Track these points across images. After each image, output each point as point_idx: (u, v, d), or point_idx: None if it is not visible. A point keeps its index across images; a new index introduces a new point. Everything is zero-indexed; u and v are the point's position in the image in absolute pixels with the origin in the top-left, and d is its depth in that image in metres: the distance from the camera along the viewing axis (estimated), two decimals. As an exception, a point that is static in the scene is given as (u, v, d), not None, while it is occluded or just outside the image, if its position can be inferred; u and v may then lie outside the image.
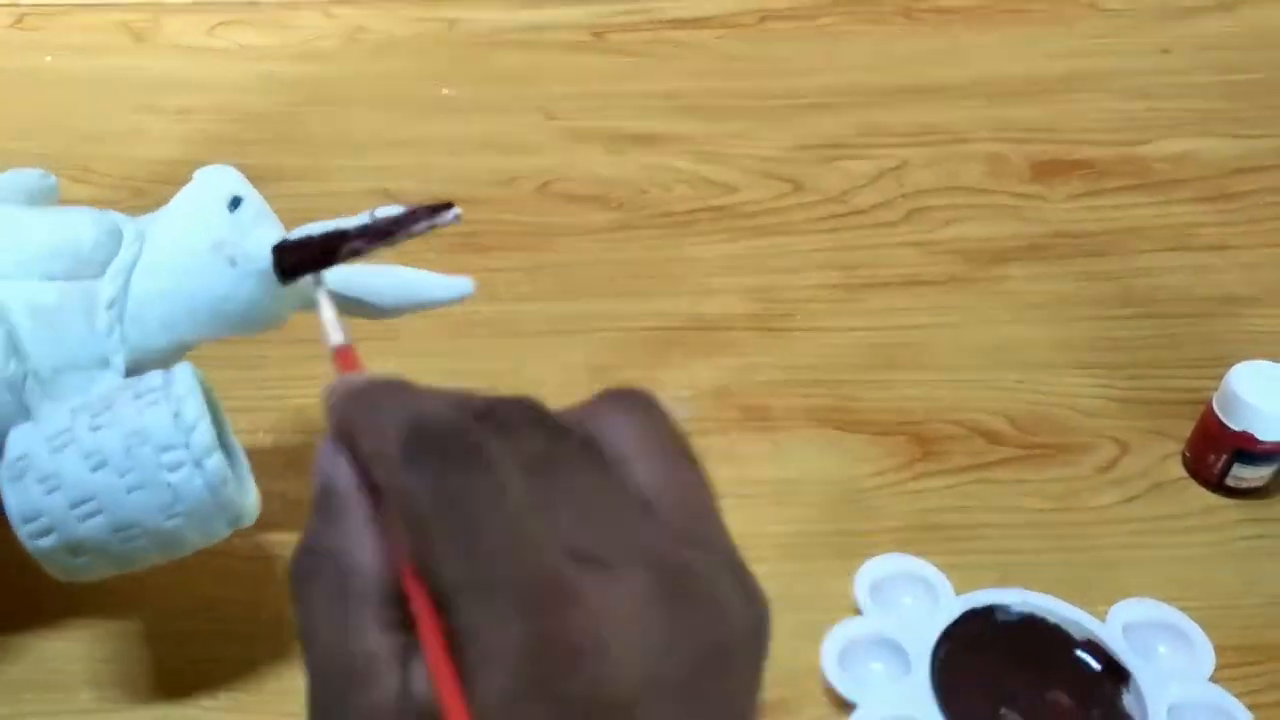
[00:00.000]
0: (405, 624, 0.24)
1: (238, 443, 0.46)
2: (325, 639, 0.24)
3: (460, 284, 0.47)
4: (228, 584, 0.51)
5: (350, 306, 0.44)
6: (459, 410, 0.25)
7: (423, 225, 0.40)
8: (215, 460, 0.40)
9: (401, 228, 0.39)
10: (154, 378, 0.41)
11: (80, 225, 0.43)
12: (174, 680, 0.48)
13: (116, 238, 0.44)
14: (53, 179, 0.49)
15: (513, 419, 0.25)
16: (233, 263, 0.42)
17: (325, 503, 0.25)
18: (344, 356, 0.30)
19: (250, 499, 0.44)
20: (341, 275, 0.42)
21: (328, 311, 0.31)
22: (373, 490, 0.24)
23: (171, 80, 0.79)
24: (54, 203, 0.51)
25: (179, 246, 0.43)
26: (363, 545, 0.24)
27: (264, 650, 0.49)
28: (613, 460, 0.24)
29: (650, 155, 0.74)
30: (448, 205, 0.41)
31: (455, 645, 0.21)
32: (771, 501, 0.54)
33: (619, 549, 0.23)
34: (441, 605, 0.22)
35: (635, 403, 0.26)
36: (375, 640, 0.23)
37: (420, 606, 0.22)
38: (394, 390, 0.26)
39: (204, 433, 0.40)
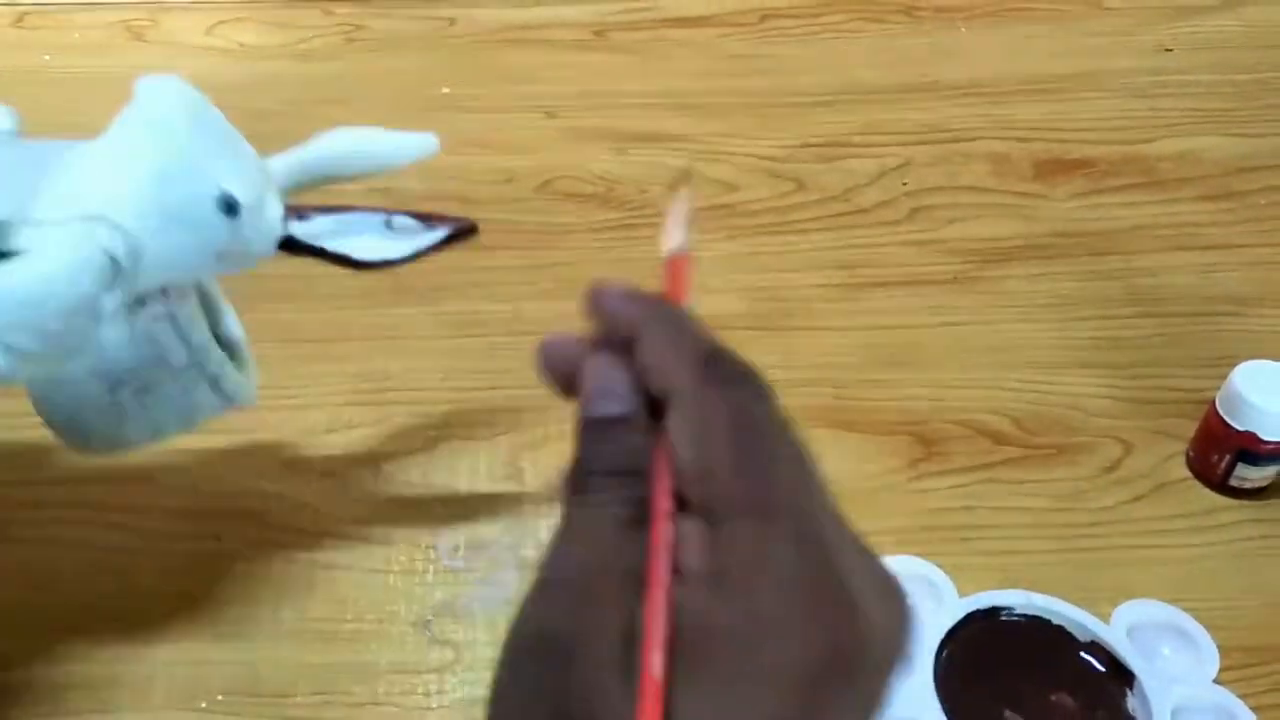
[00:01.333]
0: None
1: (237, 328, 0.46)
2: (592, 567, 0.23)
3: (423, 141, 0.43)
4: (226, 583, 0.51)
5: (314, 183, 0.42)
6: (730, 352, 0.26)
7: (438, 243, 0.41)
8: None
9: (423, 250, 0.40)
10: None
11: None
12: (172, 680, 0.47)
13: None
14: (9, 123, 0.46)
15: (764, 380, 0.26)
16: (239, 262, 0.42)
17: (633, 429, 0.25)
18: (676, 267, 0.29)
19: (251, 388, 0.44)
20: (300, 155, 0.41)
21: (679, 214, 0.30)
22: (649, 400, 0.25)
23: (171, 79, 0.79)
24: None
25: (175, 261, 0.40)
26: (645, 460, 0.24)
27: (262, 651, 0.48)
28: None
29: (651, 154, 0.73)
30: (458, 221, 0.41)
31: (717, 556, 0.22)
32: (773, 502, 0.54)
33: (842, 524, 0.24)
34: (705, 511, 0.23)
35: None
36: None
37: (660, 523, 0.22)
38: (680, 310, 0.27)
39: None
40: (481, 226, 0.70)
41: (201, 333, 0.43)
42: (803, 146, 0.74)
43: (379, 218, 0.41)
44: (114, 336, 0.39)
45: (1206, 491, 0.55)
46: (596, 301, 0.28)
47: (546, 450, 0.56)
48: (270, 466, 0.55)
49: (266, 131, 0.83)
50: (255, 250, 0.40)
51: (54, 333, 0.36)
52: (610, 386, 0.26)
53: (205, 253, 0.39)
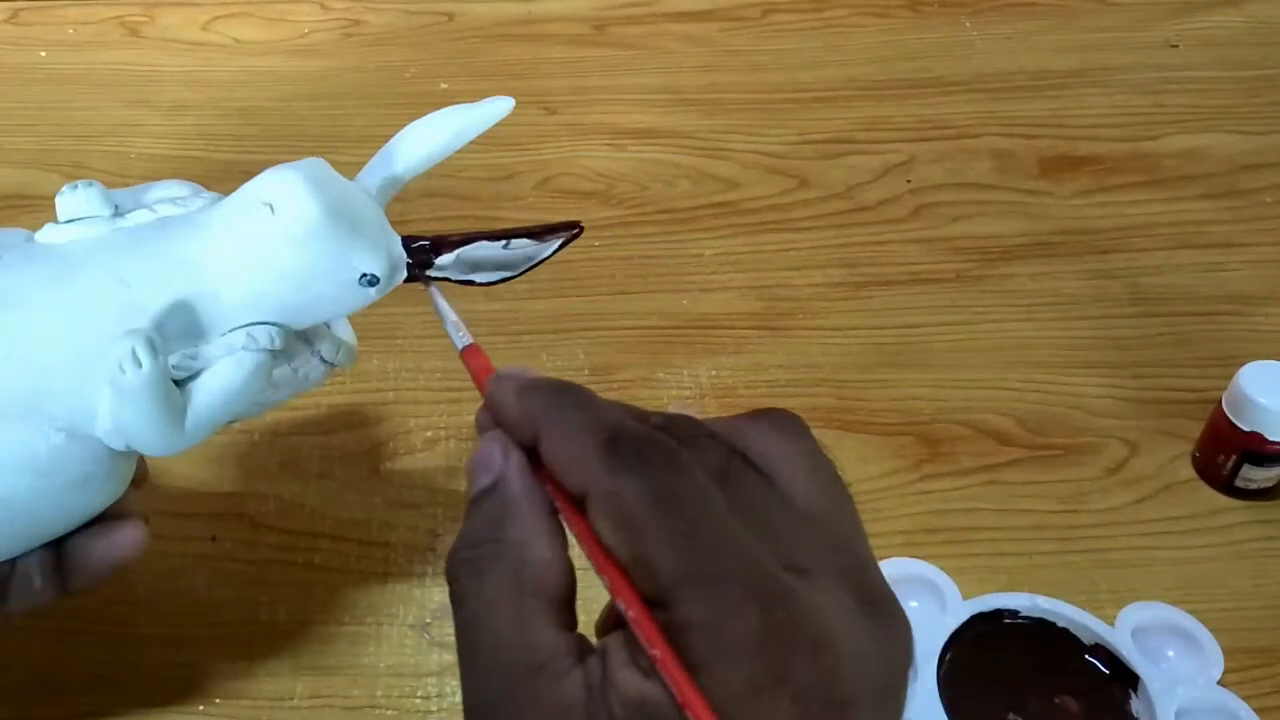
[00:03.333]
0: (574, 625, 0.24)
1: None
2: (500, 631, 0.23)
3: (500, 105, 0.45)
4: (223, 585, 0.50)
5: (404, 182, 0.43)
6: (641, 421, 0.25)
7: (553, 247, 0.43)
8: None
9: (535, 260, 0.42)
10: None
11: None
12: (168, 683, 0.47)
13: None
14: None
15: (688, 432, 0.25)
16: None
17: (496, 497, 0.25)
18: (474, 355, 0.30)
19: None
20: (393, 168, 0.43)
21: (450, 313, 0.31)
22: (557, 490, 0.25)
23: (166, 75, 0.78)
24: None
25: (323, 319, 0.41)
26: (539, 540, 0.24)
27: (259, 653, 0.48)
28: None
29: (652, 150, 0.73)
30: (568, 229, 0.43)
31: (674, 640, 0.22)
32: (775, 503, 0.54)
33: (808, 558, 0.23)
34: (655, 602, 0.22)
35: (782, 421, 0.26)
36: (554, 635, 0.23)
37: (632, 601, 0.22)
38: (577, 395, 0.26)
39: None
40: (481, 224, 0.70)
41: (338, 346, 0.43)
42: (805, 143, 0.73)
43: (498, 245, 0.42)
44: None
45: (1212, 493, 0.55)
46: (493, 402, 0.27)
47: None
48: (268, 467, 0.55)
49: (263, 127, 0.82)
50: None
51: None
52: (482, 460, 0.26)
53: (345, 313, 0.41)
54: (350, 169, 0.72)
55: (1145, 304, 0.64)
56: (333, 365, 0.43)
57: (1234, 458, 0.53)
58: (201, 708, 0.46)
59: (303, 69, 0.79)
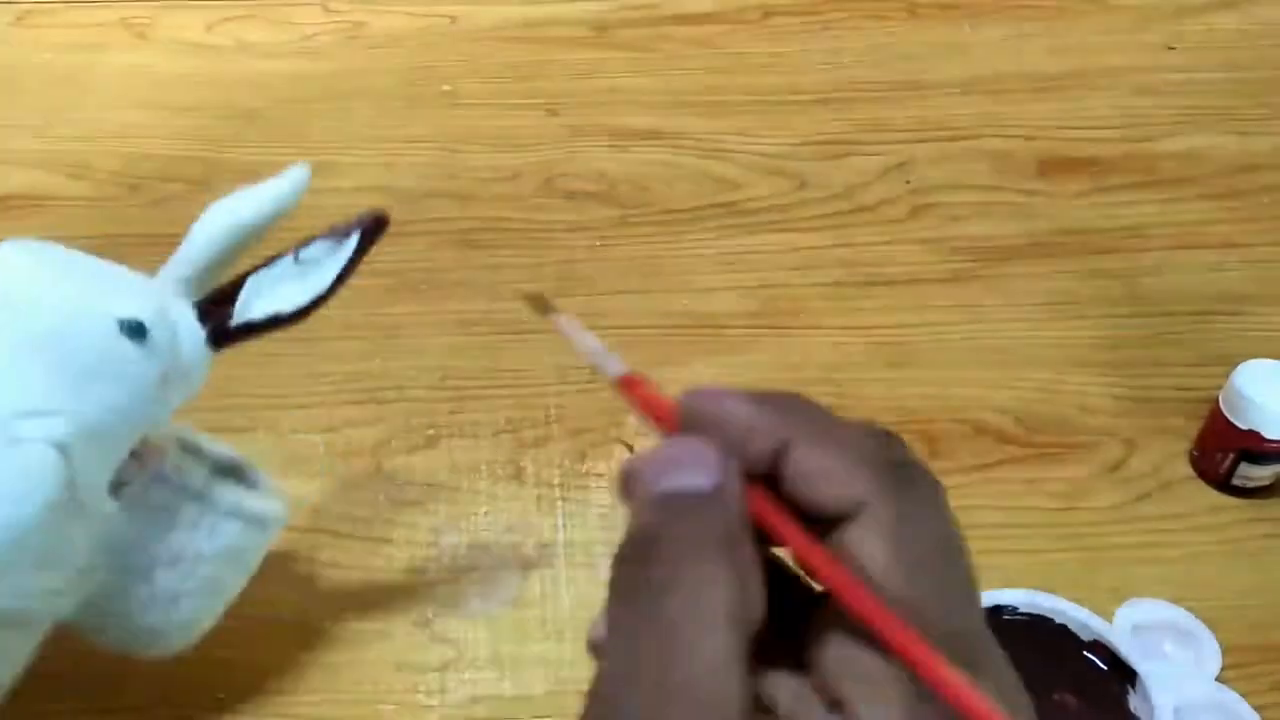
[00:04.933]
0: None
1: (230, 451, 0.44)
2: (692, 670, 0.19)
3: (296, 176, 0.39)
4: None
5: (218, 267, 0.39)
6: (879, 436, 0.22)
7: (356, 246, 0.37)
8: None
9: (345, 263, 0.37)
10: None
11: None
12: (171, 680, 0.47)
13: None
14: None
15: (932, 478, 0.22)
16: (183, 382, 0.38)
17: (716, 505, 0.21)
18: (633, 386, 0.24)
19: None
20: (188, 251, 0.38)
21: (590, 340, 0.25)
22: (775, 514, 0.21)
23: (171, 77, 0.79)
24: None
25: (122, 415, 0.36)
26: (757, 571, 0.20)
27: (262, 649, 0.48)
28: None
29: (653, 151, 0.73)
30: (362, 220, 0.38)
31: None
32: (775, 501, 0.54)
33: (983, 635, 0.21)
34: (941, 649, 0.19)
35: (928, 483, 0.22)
36: (750, 685, 0.19)
37: (923, 656, 0.19)
38: (813, 404, 0.22)
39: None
40: (482, 223, 0.70)
41: (197, 473, 0.41)
42: (805, 144, 0.74)
43: (286, 260, 0.38)
44: (113, 527, 0.37)
45: (1209, 490, 0.55)
46: (704, 413, 0.22)
47: (547, 450, 0.56)
48: (270, 466, 0.55)
49: (266, 129, 0.83)
50: (189, 361, 0.38)
51: (40, 552, 0.34)
52: (692, 456, 0.21)
53: (143, 391, 0.36)
54: (352, 170, 0.72)
55: (1143, 304, 0.64)
56: (264, 520, 0.41)
57: (1231, 456, 0.54)
58: (205, 703, 0.47)
59: (307, 71, 0.79)
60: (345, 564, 0.51)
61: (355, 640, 0.49)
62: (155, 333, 0.36)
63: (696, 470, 0.21)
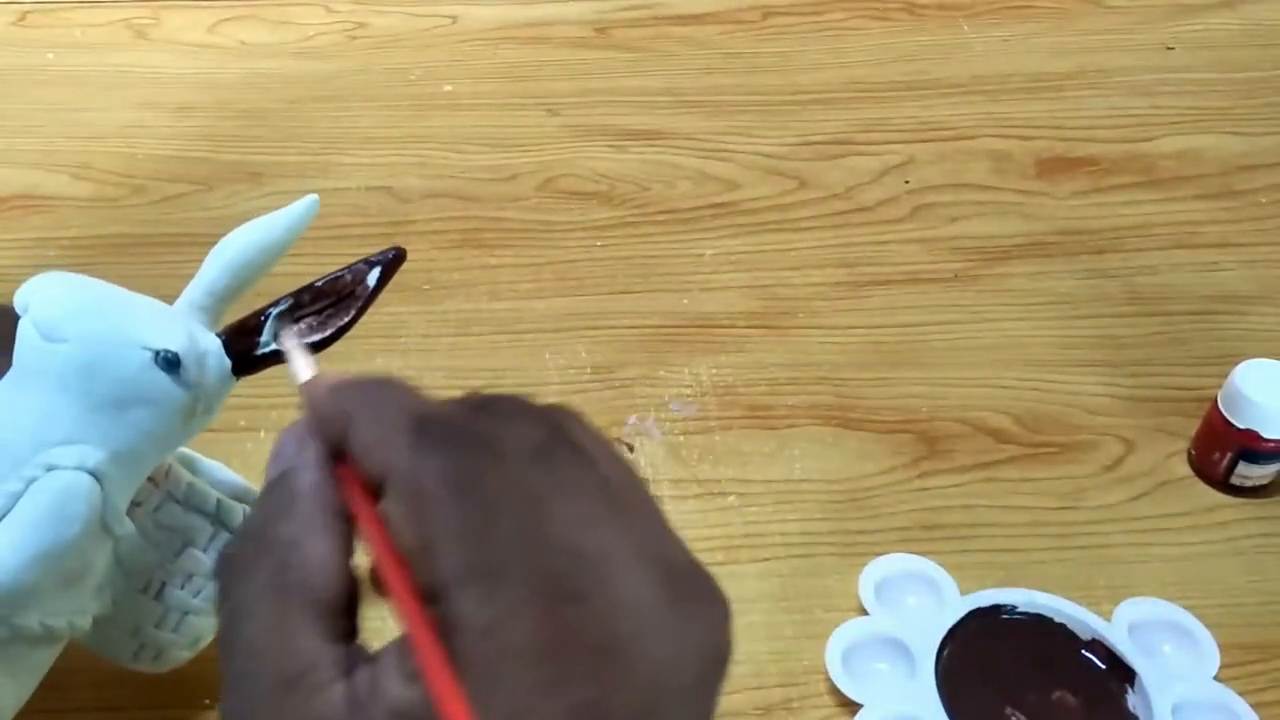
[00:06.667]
0: (351, 635, 0.22)
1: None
2: (255, 636, 0.22)
3: (307, 205, 0.40)
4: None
5: (233, 295, 0.40)
6: (457, 405, 0.24)
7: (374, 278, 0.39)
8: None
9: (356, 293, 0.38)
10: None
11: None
12: (171, 681, 0.47)
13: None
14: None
15: (509, 410, 0.24)
16: (206, 408, 0.39)
17: (281, 490, 0.23)
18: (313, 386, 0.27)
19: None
20: (203, 280, 0.40)
21: (296, 350, 0.29)
22: (353, 484, 0.23)
23: (173, 77, 0.79)
24: None
25: (152, 441, 0.38)
26: (314, 540, 0.22)
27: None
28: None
29: (653, 151, 0.73)
30: (383, 257, 0.39)
31: (447, 641, 0.20)
32: (775, 501, 0.54)
33: (622, 545, 0.21)
34: (434, 596, 0.20)
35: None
36: (317, 644, 0.21)
37: (403, 594, 0.20)
38: (393, 384, 0.24)
39: None
40: (483, 224, 0.71)
41: (208, 495, 0.42)
42: (804, 144, 0.74)
43: (305, 295, 0.40)
44: (127, 545, 0.39)
45: (1208, 489, 0.55)
46: (307, 401, 0.25)
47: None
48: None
49: (268, 129, 0.83)
50: (214, 390, 0.39)
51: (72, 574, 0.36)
52: (275, 451, 0.24)
53: (173, 419, 0.38)
54: (354, 170, 0.73)
55: (1141, 303, 0.64)
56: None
57: (1229, 455, 0.54)
58: (207, 701, 0.47)
59: (308, 71, 0.80)
60: (347, 563, 0.52)
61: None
62: (187, 363, 0.37)
63: (278, 459, 0.24)
